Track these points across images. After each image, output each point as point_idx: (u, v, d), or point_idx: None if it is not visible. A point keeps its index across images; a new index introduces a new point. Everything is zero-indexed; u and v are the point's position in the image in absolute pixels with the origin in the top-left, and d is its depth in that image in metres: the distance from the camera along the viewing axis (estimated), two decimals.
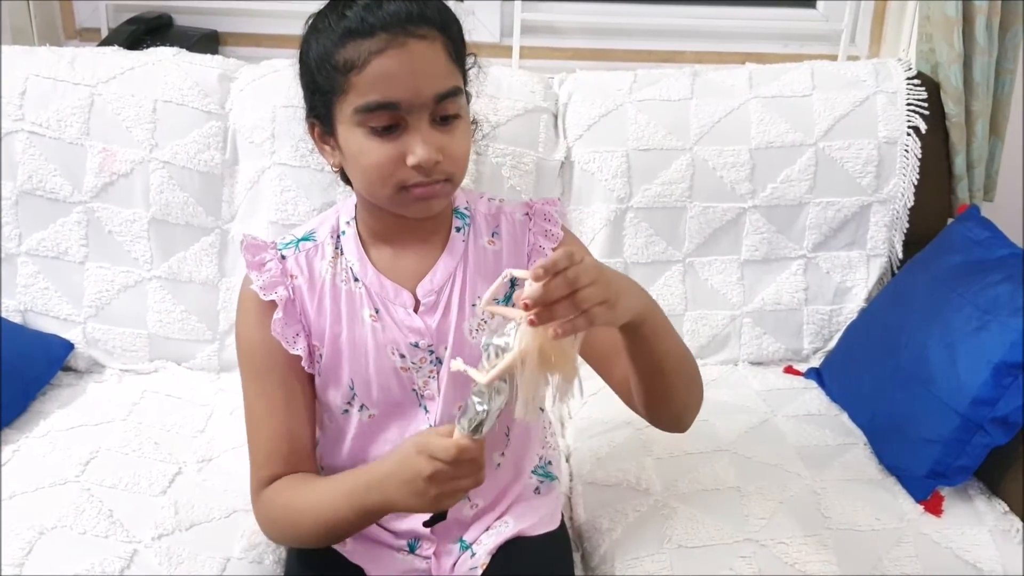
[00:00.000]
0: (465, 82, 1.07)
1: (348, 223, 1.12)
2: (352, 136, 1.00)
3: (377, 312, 1.09)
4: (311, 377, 1.12)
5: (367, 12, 0.98)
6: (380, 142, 0.99)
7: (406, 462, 0.96)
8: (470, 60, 1.07)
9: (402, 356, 1.10)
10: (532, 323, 0.84)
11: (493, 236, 1.13)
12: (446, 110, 1.00)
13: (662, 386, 1.04)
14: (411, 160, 0.98)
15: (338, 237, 1.12)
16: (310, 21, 1.04)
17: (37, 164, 1.60)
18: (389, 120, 0.98)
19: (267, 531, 1.14)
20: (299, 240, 1.12)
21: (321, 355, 1.11)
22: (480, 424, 0.91)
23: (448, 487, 0.94)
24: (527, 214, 1.15)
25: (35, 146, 1.60)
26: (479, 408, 0.90)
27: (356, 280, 1.10)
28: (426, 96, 0.98)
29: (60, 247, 1.62)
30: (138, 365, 1.65)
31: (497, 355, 0.88)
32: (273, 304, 1.08)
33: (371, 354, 1.10)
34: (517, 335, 0.86)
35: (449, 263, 1.11)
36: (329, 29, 1.00)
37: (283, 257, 1.11)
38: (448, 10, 1.04)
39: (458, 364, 0.92)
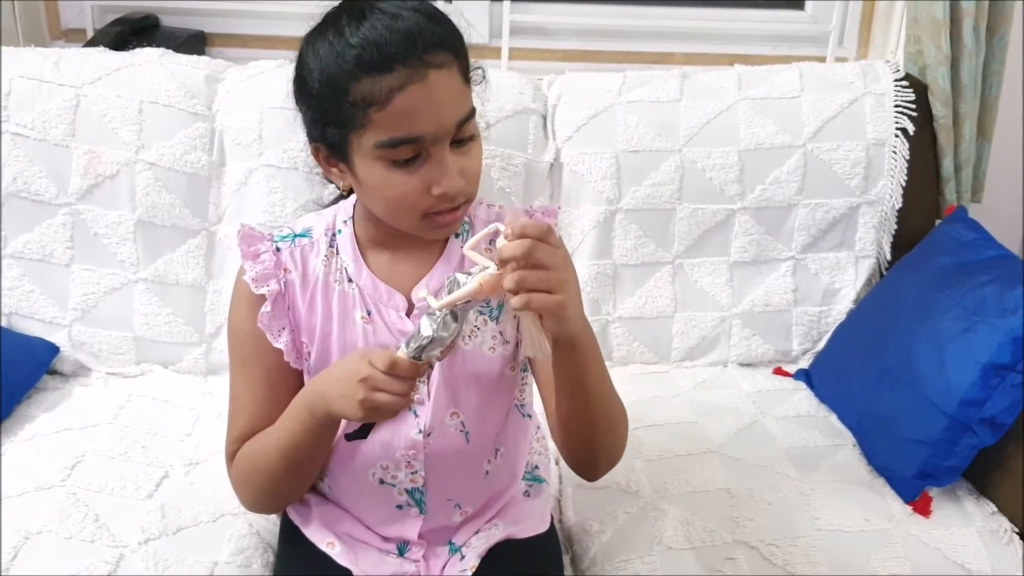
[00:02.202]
0: (468, 74, 1.05)
1: (345, 222, 1.11)
2: (372, 169, 0.98)
3: (369, 314, 1.09)
4: (298, 370, 1.12)
5: (382, 42, 0.93)
6: (404, 174, 0.97)
7: (347, 362, 0.99)
8: (478, 75, 1.05)
9: None
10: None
11: (491, 244, 1.12)
12: (463, 133, 0.99)
13: (581, 420, 1.06)
14: (437, 190, 0.97)
15: (333, 236, 1.11)
16: (308, 41, 1.00)
17: (22, 166, 1.59)
18: (412, 152, 0.96)
19: (241, 491, 1.15)
20: (296, 235, 1.12)
21: (310, 353, 1.10)
22: (422, 348, 0.94)
23: (374, 395, 0.95)
24: None
25: (19, 148, 1.58)
26: (425, 332, 0.94)
27: (350, 281, 1.09)
28: (448, 126, 0.96)
29: (45, 250, 1.61)
30: (124, 368, 1.64)
31: (458, 287, 0.93)
32: (264, 296, 1.08)
33: None
34: (477, 276, 0.91)
35: (446, 269, 1.10)
36: (337, 56, 0.95)
37: (278, 249, 1.10)
38: (451, 23, 1.01)
39: (422, 292, 0.99)
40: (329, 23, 0.98)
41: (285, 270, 1.09)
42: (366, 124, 0.95)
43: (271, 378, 1.11)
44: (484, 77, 1.06)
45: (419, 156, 0.97)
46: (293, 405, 1.07)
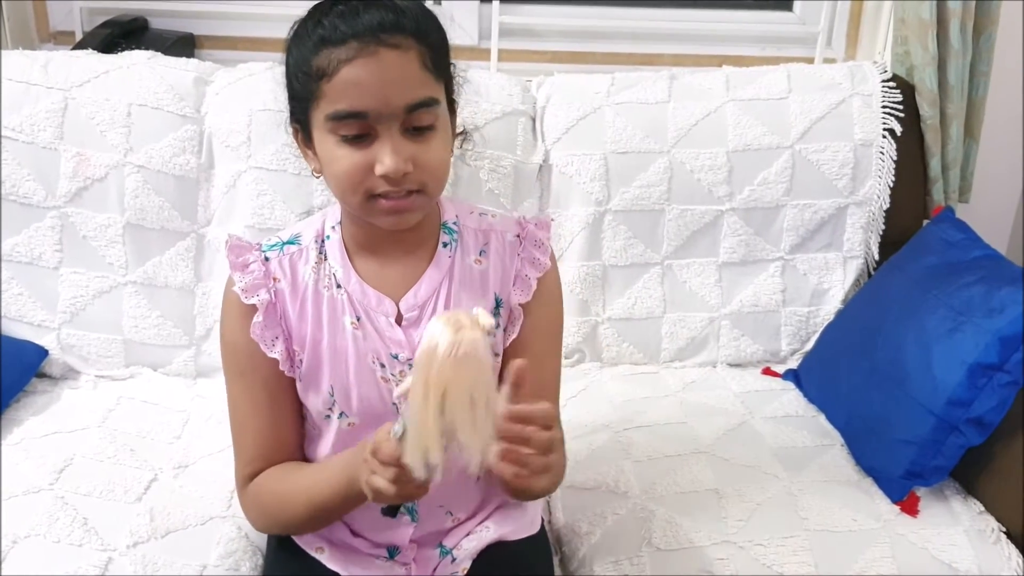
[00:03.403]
0: (450, 91, 1.06)
1: (334, 228, 1.11)
2: (325, 143, 1.00)
3: (359, 320, 1.09)
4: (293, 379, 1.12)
5: (341, 20, 0.97)
6: (350, 150, 0.98)
7: (365, 442, 0.98)
8: (453, 70, 1.06)
9: (382, 366, 1.09)
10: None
11: (481, 255, 1.12)
12: (420, 121, 0.98)
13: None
14: (379, 169, 0.97)
15: (322, 242, 1.11)
16: (293, 28, 1.04)
17: (10, 169, 1.58)
18: (358, 129, 0.97)
19: (255, 519, 1.15)
20: (284, 243, 1.12)
21: (301, 360, 1.10)
22: (404, 430, 0.88)
23: (369, 479, 0.93)
24: (518, 235, 1.13)
25: (7, 151, 1.58)
26: (401, 416, 0.90)
27: (339, 287, 1.09)
28: (395, 106, 0.97)
29: (34, 252, 1.60)
30: (113, 371, 1.63)
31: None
32: (255, 307, 1.07)
33: (352, 362, 1.09)
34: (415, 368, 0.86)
35: (434, 278, 1.10)
36: (306, 36, 1.00)
37: (267, 259, 1.10)
38: (430, 18, 1.02)
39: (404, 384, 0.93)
40: (311, 13, 1.02)
41: (274, 279, 1.09)
42: (319, 96, 0.98)
43: (270, 388, 1.10)
44: (455, 69, 1.06)
45: (368, 135, 0.98)
46: (333, 465, 1.06)
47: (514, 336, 1.12)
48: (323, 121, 0.98)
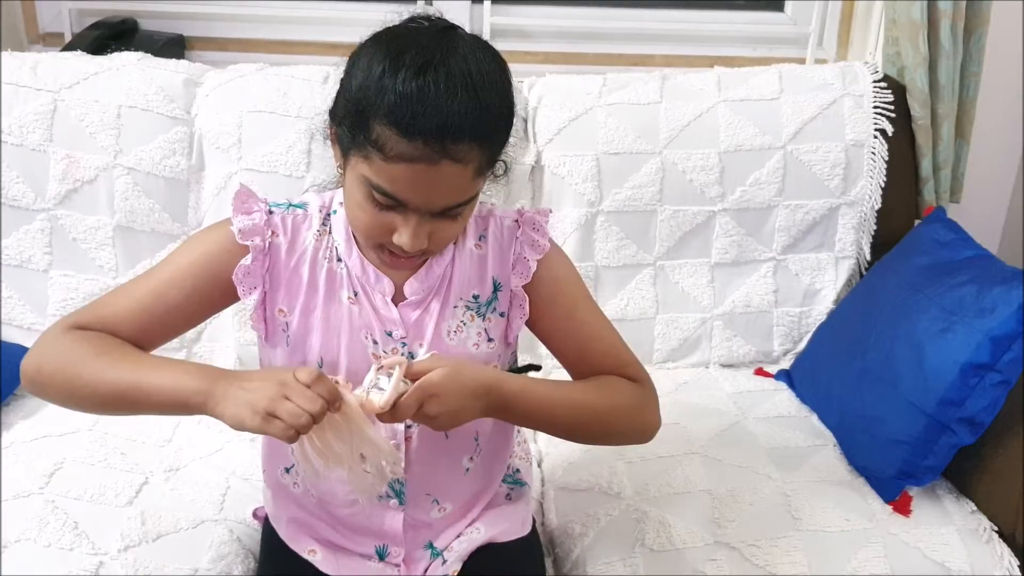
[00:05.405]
0: (496, 161, 1.04)
1: (341, 204, 1.10)
2: (355, 187, 0.99)
3: (356, 295, 1.09)
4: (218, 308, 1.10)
5: (420, 106, 0.91)
6: (376, 210, 0.99)
7: (271, 373, 0.98)
8: (500, 168, 1.05)
9: (375, 342, 1.09)
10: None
11: (480, 240, 1.13)
12: (451, 213, 0.99)
13: (570, 439, 1.17)
14: (396, 240, 0.99)
15: (327, 215, 1.11)
16: (379, 39, 0.98)
17: None
18: (392, 204, 0.97)
19: (49, 353, 1.04)
20: (291, 205, 1.11)
21: (288, 324, 1.09)
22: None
23: (279, 403, 0.90)
24: (516, 221, 1.14)
25: None
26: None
27: (339, 260, 1.09)
28: (434, 207, 0.98)
29: (23, 255, 1.60)
30: None
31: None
32: (244, 249, 1.06)
33: (344, 335, 1.09)
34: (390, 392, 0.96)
35: (440, 262, 1.10)
36: (380, 86, 0.93)
37: (271, 212, 1.09)
38: (508, 111, 0.99)
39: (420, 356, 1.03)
40: (402, 41, 0.96)
41: (273, 233, 1.08)
42: (367, 156, 0.95)
43: (165, 298, 1.06)
44: (506, 171, 1.07)
45: (398, 208, 0.98)
46: (186, 366, 1.01)
47: (525, 318, 1.13)
48: (361, 173, 0.97)
